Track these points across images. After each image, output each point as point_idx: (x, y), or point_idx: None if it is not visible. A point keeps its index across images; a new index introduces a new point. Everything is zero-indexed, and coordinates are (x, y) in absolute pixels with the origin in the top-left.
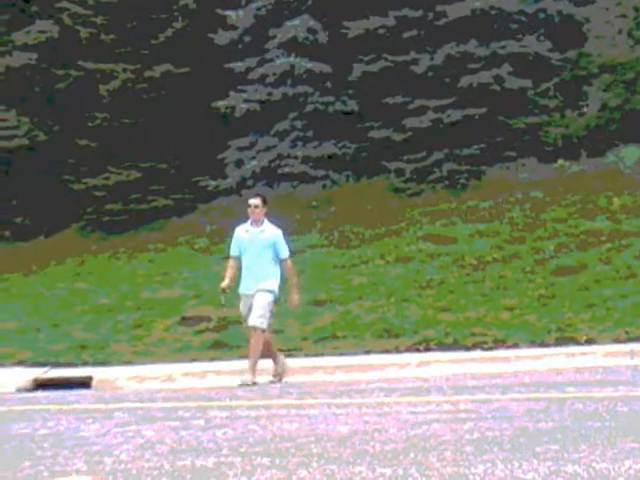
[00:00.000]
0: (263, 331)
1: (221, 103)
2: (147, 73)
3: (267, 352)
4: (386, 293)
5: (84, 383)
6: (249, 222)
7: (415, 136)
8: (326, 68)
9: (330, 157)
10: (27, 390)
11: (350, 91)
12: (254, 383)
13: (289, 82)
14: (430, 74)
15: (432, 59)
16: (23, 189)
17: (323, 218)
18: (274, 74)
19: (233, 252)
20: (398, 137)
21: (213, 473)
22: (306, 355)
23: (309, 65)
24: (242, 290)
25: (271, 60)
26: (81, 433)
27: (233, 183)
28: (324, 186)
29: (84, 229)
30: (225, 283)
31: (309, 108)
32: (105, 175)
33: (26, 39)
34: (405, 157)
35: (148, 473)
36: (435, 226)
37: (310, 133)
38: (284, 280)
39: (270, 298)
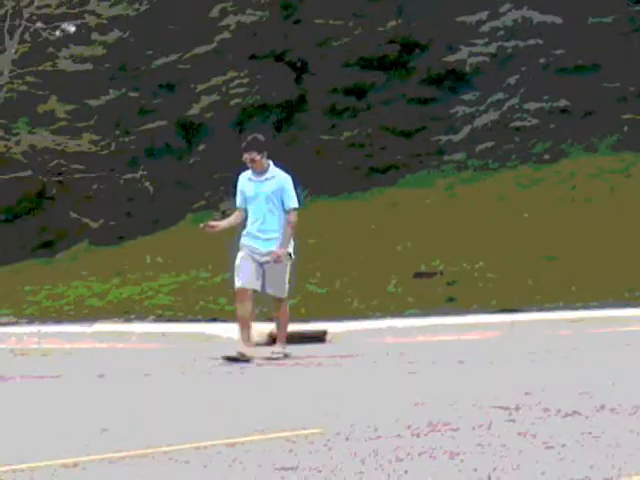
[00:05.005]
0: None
1: (452, 57)
2: (378, 28)
3: (247, 321)
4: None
5: (318, 337)
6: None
7: None
8: (558, 20)
9: (563, 111)
10: (262, 345)
11: (582, 43)
12: (286, 355)
13: (520, 35)
14: None
15: None
16: None
17: (554, 173)
18: (505, 27)
19: (239, 204)
20: (634, 89)
21: None
22: (539, 310)
23: (541, 17)
24: (246, 241)
25: (503, 13)
26: None
27: (464, 137)
28: (556, 141)
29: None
30: (215, 222)
31: (541, 61)
32: (334, 130)
33: None
34: None
35: None
36: None
37: (542, 86)
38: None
39: (287, 265)
